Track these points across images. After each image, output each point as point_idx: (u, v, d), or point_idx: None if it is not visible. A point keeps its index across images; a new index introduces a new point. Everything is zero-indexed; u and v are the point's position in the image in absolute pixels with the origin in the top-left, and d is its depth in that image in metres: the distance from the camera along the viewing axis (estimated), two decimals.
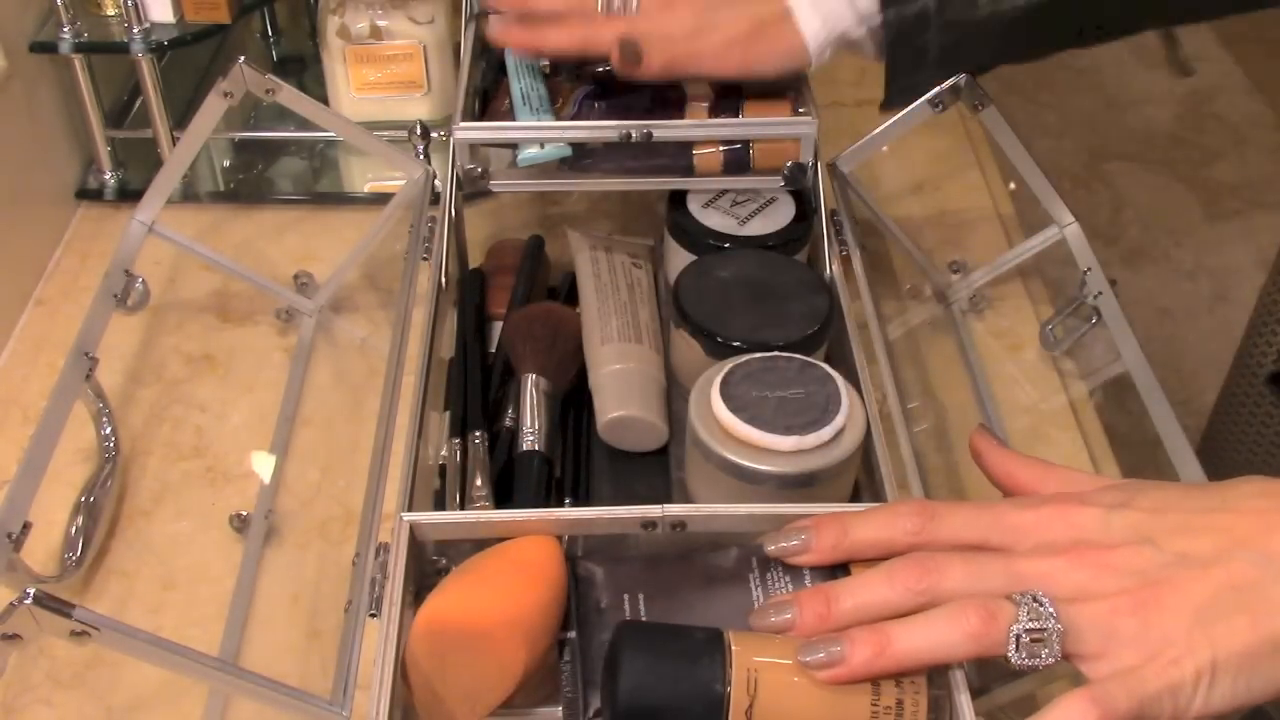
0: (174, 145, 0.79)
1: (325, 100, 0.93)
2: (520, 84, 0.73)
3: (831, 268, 0.68)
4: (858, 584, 0.46)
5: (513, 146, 0.69)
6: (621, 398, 0.64)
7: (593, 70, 0.73)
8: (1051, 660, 0.43)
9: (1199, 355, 1.81)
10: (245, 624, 0.63)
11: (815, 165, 0.69)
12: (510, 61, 0.75)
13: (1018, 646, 0.42)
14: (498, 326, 0.70)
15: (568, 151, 0.69)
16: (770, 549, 0.49)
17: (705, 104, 0.71)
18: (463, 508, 0.60)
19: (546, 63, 0.76)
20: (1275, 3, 0.66)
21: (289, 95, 0.70)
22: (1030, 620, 0.42)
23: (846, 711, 0.45)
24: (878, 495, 0.56)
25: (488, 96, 0.74)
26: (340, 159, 0.95)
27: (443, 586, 0.49)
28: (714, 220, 0.69)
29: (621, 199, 0.88)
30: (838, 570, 0.50)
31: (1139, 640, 0.42)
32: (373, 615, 0.52)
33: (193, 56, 0.96)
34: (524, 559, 0.49)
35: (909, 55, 0.66)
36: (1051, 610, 0.42)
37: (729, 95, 0.71)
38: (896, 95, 0.70)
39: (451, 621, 0.47)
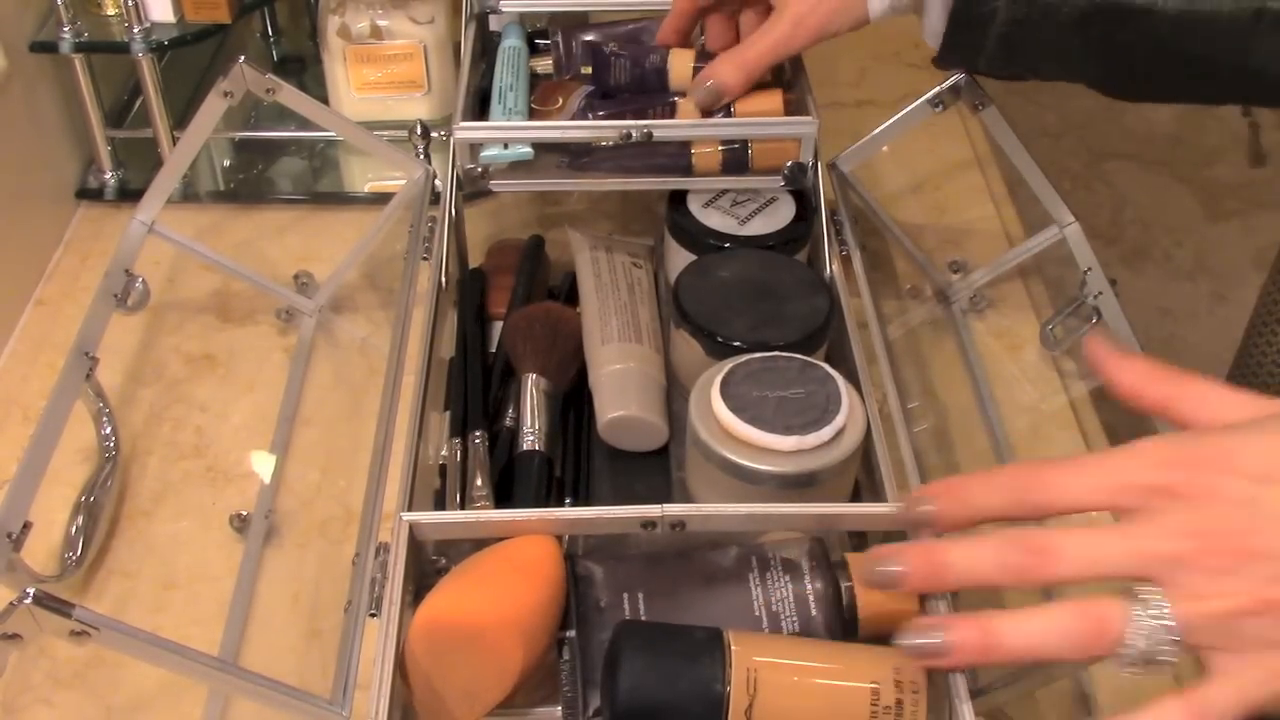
0: (174, 145, 0.79)
1: (325, 100, 0.93)
2: (501, 82, 0.73)
3: (831, 268, 0.68)
4: (968, 553, 0.42)
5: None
6: (621, 398, 0.64)
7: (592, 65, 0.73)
8: (1164, 666, 0.40)
9: (1199, 355, 1.81)
10: (245, 624, 0.63)
11: (815, 165, 0.69)
12: (500, 58, 0.75)
13: (1130, 660, 0.40)
14: (498, 326, 0.70)
15: (529, 154, 0.69)
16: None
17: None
18: (463, 508, 0.60)
19: (537, 66, 0.76)
20: None
21: (289, 95, 0.70)
22: (1144, 637, 0.40)
23: (846, 711, 0.45)
24: (878, 495, 0.56)
25: (487, 96, 0.74)
26: (340, 159, 0.95)
27: (441, 586, 0.49)
28: (714, 220, 0.69)
29: (621, 199, 0.88)
30: (837, 573, 0.50)
31: (1260, 642, 0.39)
32: (372, 615, 0.52)
33: (193, 56, 0.96)
34: (522, 558, 0.49)
35: (972, 22, 0.64)
36: (1168, 620, 0.39)
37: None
38: (949, 54, 0.67)
39: (450, 621, 0.47)
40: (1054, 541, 0.41)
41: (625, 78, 0.73)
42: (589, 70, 0.74)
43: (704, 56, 0.72)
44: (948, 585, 0.43)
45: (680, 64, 0.72)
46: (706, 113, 0.69)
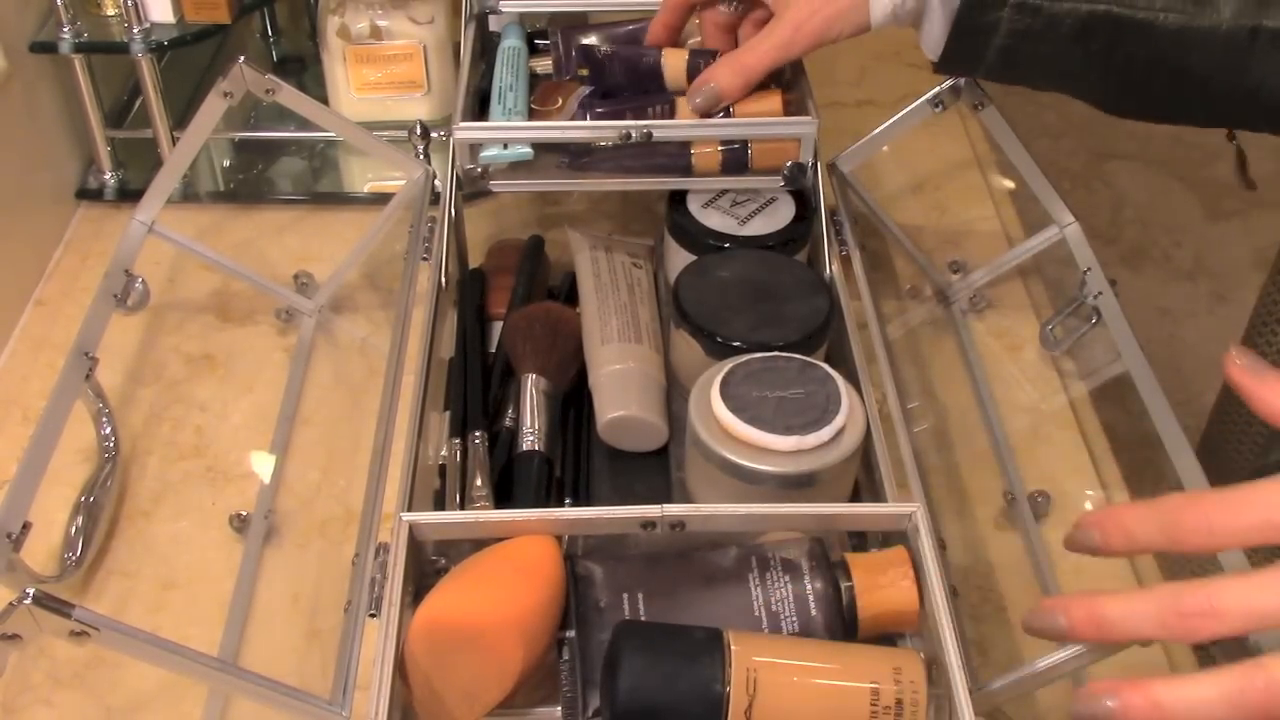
0: (174, 145, 0.79)
1: (325, 100, 0.93)
2: (501, 82, 0.73)
3: (831, 268, 0.68)
4: (1128, 611, 0.42)
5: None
6: (621, 398, 0.64)
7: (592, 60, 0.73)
8: None
9: (1199, 355, 1.81)
10: (245, 624, 0.63)
11: (815, 165, 0.69)
12: (499, 58, 0.75)
13: None
14: (498, 326, 0.70)
15: (528, 154, 0.69)
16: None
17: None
18: (463, 508, 0.60)
19: (536, 66, 0.76)
20: None
21: (289, 95, 0.70)
22: None
23: (846, 711, 0.45)
24: (878, 495, 0.56)
25: (487, 96, 0.74)
26: (340, 159, 0.95)
27: (441, 586, 0.49)
28: (714, 220, 0.69)
29: (621, 199, 0.88)
30: (837, 573, 0.50)
31: None
32: (372, 615, 0.52)
33: (193, 56, 0.96)
34: (522, 558, 0.49)
35: (977, 27, 0.63)
36: None
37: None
38: (949, 64, 0.66)
39: (450, 621, 0.47)
40: (1214, 601, 0.40)
41: (621, 78, 0.73)
42: (585, 71, 0.74)
43: (698, 56, 0.72)
44: (1107, 640, 0.43)
45: (674, 64, 0.72)
46: (704, 115, 0.69)
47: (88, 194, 0.90)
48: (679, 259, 0.69)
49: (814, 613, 0.49)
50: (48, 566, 0.64)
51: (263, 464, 0.71)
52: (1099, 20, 0.60)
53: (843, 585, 0.49)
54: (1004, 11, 0.61)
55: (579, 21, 0.83)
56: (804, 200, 0.71)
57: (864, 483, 0.59)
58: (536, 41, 0.79)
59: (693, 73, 0.71)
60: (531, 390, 0.64)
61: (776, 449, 0.55)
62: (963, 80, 0.73)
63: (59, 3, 0.82)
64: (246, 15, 0.92)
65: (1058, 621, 0.43)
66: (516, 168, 0.70)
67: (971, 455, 0.72)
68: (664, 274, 0.74)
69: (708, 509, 0.51)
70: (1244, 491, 0.41)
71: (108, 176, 0.90)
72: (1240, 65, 0.59)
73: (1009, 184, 0.92)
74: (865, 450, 0.57)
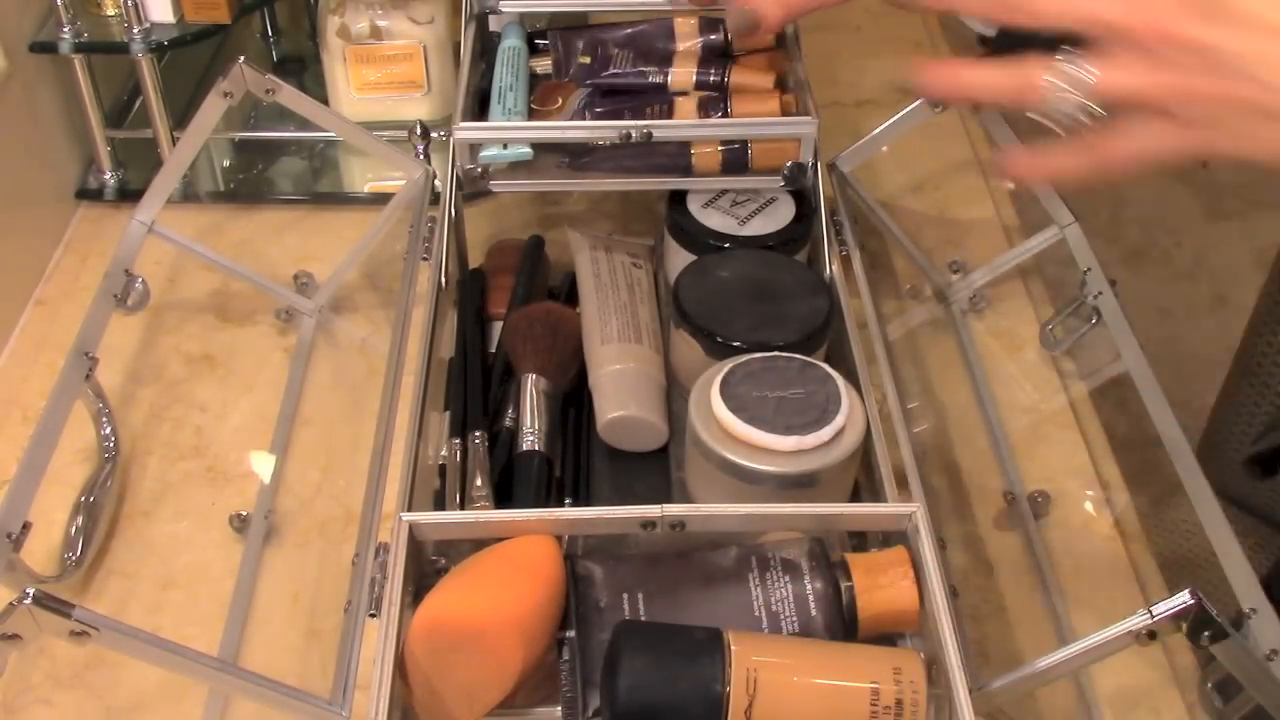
0: (174, 145, 0.79)
1: (325, 100, 0.93)
2: (501, 82, 0.73)
3: (831, 268, 0.68)
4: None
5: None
6: (621, 398, 0.64)
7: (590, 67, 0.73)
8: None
9: (1199, 355, 1.80)
10: (245, 624, 0.63)
11: (815, 165, 0.69)
12: (499, 58, 0.75)
13: (1051, 110, 0.47)
14: (498, 326, 0.70)
15: (528, 154, 0.69)
16: None
17: (693, 99, 0.71)
18: (463, 508, 0.60)
19: (536, 66, 0.76)
20: None
21: (289, 95, 0.70)
22: (1060, 89, 0.47)
23: (846, 711, 0.45)
24: (878, 495, 0.56)
25: (487, 96, 0.74)
26: (340, 159, 0.95)
27: (441, 586, 0.49)
28: (714, 220, 0.69)
29: (621, 199, 0.88)
30: (837, 573, 0.50)
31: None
32: (372, 615, 0.52)
33: (193, 56, 0.96)
34: (522, 558, 0.49)
35: None
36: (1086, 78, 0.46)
37: (713, 90, 0.71)
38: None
39: (450, 621, 0.47)
40: None
41: (624, 65, 0.72)
42: (587, 60, 0.74)
43: (707, 45, 0.71)
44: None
45: (681, 71, 0.72)
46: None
47: (88, 194, 0.90)
48: (679, 259, 0.69)
49: (814, 613, 0.49)
50: (48, 566, 0.64)
51: (263, 464, 0.71)
52: None
53: (843, 585, 0.49)
54: None
55: (579, 22, 0.82)
56: (804, 200, 0.71)
57: (864, 483, 0.59)
58: (536, 41, 0.79)
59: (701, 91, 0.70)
60: (531, 390, 0.64)
61: (776, 449, 0.55)
62: None
63: (59, 3, 0.82)
64: (246, 15, 0.92)
65: None
66: (516, 168, 0.70)
67: (971, 455, 0.72)
68: (664, 274, 0.74)
69: (708, 509, 0.51)
70: None
71: (108, 176, 0.90)
72: None
73: (1009, 184, 0.92)
74: (865, 450, 0.57)
